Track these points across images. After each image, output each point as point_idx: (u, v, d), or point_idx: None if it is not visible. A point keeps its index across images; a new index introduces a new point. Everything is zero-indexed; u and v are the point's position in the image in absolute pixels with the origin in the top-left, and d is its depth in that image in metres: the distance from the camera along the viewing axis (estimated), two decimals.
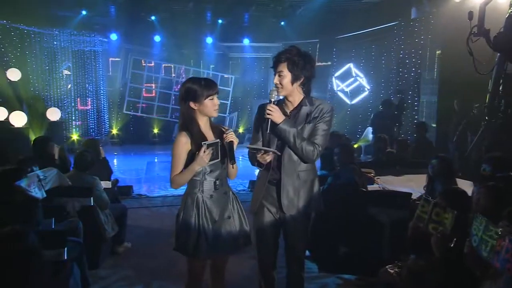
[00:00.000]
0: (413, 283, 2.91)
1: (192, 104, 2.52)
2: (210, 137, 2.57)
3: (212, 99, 2.52)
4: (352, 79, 11.36)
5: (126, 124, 12.86)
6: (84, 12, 10.24)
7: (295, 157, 2.57)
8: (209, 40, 12.50)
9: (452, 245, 2.74)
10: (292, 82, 2.54)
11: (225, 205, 2.59)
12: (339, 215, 4.32)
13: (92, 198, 4.16)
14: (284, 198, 2.58)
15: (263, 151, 2.54)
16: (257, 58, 13.80)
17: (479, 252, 2.43)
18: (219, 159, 2.50)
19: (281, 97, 2.69)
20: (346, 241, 4.33)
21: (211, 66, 13.36)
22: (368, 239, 4.12)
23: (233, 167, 2.57)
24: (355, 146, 10.17)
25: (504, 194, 3.02)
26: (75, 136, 11.69)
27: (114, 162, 10.72)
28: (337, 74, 11.64)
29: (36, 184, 3.38)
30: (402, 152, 6.09)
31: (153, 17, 10.91)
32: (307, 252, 4.56)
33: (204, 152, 2.40)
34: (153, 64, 13.10)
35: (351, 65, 11.32)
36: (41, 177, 3.70)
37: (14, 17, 9.82)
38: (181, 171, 2.50)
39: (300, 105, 2.62)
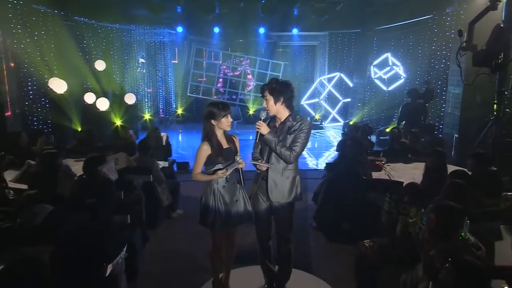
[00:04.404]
0: (380, 255, 3.51)
1: (212, 121, 3.26)
2: (225, 144, 3.30)
3: (227, 117, 3.24)
4: (388, 68, 11.39)
5: (189, 105, 13.71)
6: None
7: (280, 160, 3.22)
8: (261, 30, 12.84)
9: (410, 230, 3.32)
10: (275, 103, 3.17)
11: (234, 192, 3.31)
12: (343, 197, 4.93)
13: (151, 176, 5.10)
14: (270, 189, 3.25)
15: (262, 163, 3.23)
16: (305, 46, 13.95)
17: (420, 237, 3.03)
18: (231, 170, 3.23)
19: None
20: (348, 219, 4.90)
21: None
22: (366, 218, 4.67)
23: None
24: (388, 130, 10.42)
25: (461, 191, 3.49)
26: (147, 116, 12.83)
27: (179, 138, 11.86)
28: (375, 62, 11.66)
29: (113, 169, 4.35)
30: (415, 143, 6.43)
31: (213, 13, 11.55)
32: (314, 224, 5.30)
33: (224, 173, 3.15)
34: (212, 53, 13.84)
35: (388, 54, 11.30)
36: (115, 160, 4.70)
37: (100, 17, 10.89)
38: (202, 171, 3.26)
39: (285, 121, 3.23)
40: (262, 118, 3.24)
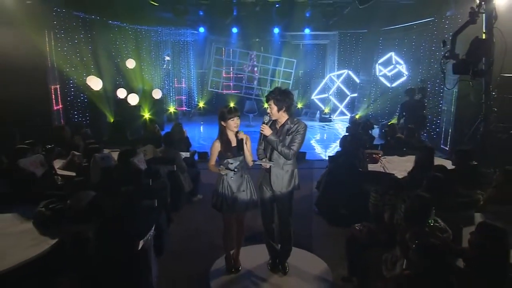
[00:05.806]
0: (369, 237, 3.81)
1: (222, 122, 3.60)
2: (234, 142, 3.62)
3: (233, 120, 3.55)
4: (392, 66, 11.44)
5: (210, 99, 14.03)
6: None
7: (281, 156, 3.54)
8: (276, 30, 13.00)
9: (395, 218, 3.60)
10: (278, 111, 3.49)
11: (241, 183, 3.65)
12: (342, 187, 5.22)
13: (175, 165, 5.45)
14: (273, 181, 3.60)
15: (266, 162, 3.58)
16: (316, 44, 14.01)
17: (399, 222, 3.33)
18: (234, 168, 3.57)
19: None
20: (345, 205, 5.18)
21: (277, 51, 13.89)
22: (360, 205, 4.95)
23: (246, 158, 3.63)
24: (390, 124, 10.55)
25: (439, 183, 3.75)
26: (172, 109, 13.23)
27: (200, 129, 12.25)
28: (380, 61, 11.72)
29: (142, 160, 4.72)
30: (410, 138, 6.61)
31: (231, 15, 11.77)
32: (316, 209, 5.62)
33: (220, 170, 3.49)
34: (231, 51, 14.08)
35: (392, 53, 11.34)
36: (143, 152, 5.08)
37: (131, 20, 11.24)
38: (215, 163, 3.64)
39: (284, 124, 3.55)
40: (265, 121, 3.56)
